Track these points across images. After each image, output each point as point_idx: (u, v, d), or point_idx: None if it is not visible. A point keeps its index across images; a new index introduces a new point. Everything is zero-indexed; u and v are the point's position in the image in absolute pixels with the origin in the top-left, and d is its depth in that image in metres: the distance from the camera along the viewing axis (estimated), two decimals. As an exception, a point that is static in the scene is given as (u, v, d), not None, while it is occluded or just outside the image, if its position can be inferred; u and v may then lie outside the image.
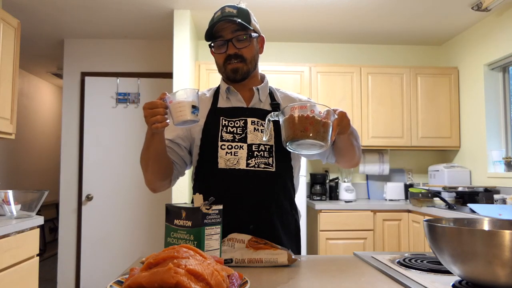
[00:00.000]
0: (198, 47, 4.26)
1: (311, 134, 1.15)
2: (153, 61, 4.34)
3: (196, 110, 1.19)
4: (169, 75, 3.86)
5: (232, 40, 1.38)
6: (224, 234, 1.15)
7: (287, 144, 1.19)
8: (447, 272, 1.00)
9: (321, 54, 4.37)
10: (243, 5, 1.43)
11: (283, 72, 3.87)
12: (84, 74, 4.30)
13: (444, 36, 4.17)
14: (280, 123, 1.20)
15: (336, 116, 1.19)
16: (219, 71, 1.48)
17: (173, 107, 1.18)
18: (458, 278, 0.94)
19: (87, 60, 4.32)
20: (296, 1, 3.35)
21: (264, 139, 1.28)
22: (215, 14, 1.41)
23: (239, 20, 1.36)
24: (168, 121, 1.20)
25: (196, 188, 1.46)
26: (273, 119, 1.22)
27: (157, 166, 1.37)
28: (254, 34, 1.42)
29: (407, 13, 3.59)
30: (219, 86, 1.53)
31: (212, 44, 1.42)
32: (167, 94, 1.19)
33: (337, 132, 1.22)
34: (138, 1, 3.37)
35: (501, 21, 3.47)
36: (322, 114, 1.17)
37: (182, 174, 1.51)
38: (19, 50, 3.02)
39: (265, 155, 1.39)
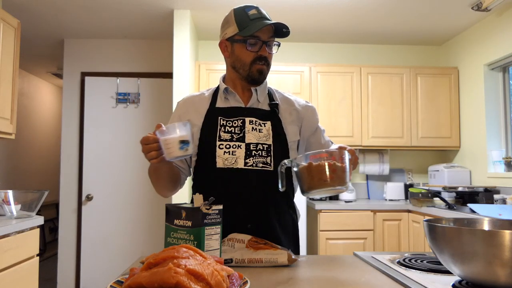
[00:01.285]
0: (198, 47, 4.26)
1: (333, 182, 1.10)
2: (153, 61, 4.34)
3: (186, 144, 1.16)
4: (169, 75, 3.86)
5: (267, 43, 1.41)
6: (222, 233, 1.15)
7: (309, 193, 1.14)
8: (447, 272, 1.00)
9: (321, 54, 4.37)
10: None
11: (283, 72, 3.87)
12: (84, 74, 4.30)
13: (444, 36, 4.17)
14: (295, 170, 1.15)
15: (350, 156, 1.16)
16: (239, 68, 1.44)
17: (162, 144, 1.18)
18: (458, 278, 0.94)
19: (87, 60, 4.32)
20: (296, 1, 3.36)
21: (280, 188, 1.20)
22: (247, 11, 1.41)
23: (286, 30, 1.40)
24: (164, 155, 1.20)
25: (195, 187, 1.47)
26: (287, 166, 1.18)
27: (167, 182, 1.43)
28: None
29: (407, 13, 3.59)
30: (218, 87, 1.53)
31: (247, 41, 1.40)
32: (162, 126, 1.18)
33: None
34: (138, 1, 3.37)
35: (501, 21, 3.47)
36: (337, 157, 1.13)
37: (190, 174, 1.54)
38: (19, 50, 3.02)
39: (263, 154, 1.39)
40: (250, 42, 1.40)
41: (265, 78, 1.46)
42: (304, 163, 1.13)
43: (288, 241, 1.43)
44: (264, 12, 1.44)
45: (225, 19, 1.46)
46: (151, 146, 1.19)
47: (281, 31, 1.42)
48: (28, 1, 3.34)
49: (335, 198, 3.96)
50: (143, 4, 3.43)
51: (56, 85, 6.46)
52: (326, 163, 1.10)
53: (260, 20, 1.38)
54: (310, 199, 3.88)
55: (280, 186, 1.20)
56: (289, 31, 1.42)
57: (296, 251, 1.48)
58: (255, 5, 1.44)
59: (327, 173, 1.10)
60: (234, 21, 1.42)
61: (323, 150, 1.16)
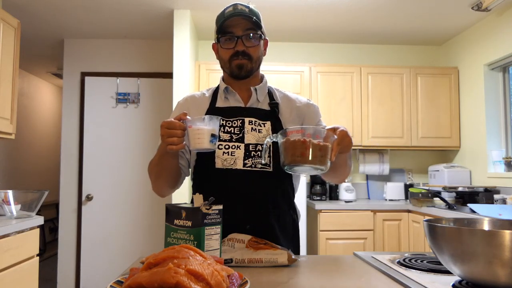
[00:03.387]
0: (198, 47, 4.26)
1: (309, 159, 1.11)
2: (153, 61, 4.34)
3: (215, 139, 1.17)
4: (169, 75, 3.86)
5: (243, 37, 1.39)
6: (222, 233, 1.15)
7: (285, 167, 1.16)
8: (447, 272, 1.00)
9: (321, 54, 4.37)
10: (252, 6, 1.44)
11: (283, 72, 3.87)
12: (84, 74, 4.30)
13: (444, 36, 4.17)
14: (279, 145, 1.17)
15: (335, 137, 1.15)
16: (223, 66, 1.47)
17: (191, 133, 1.16)
18: (458, 278, 0.94)
19: (87, 60, 4.32)
20: (296, 1, 3.35)
21: (262, 162, 1.21)
22: (225, 9, 1.41)
23: (255, 18, 1.38)
24: (184, 143, 1.18)
25: (194, 188, 1.47)
26: (272, 141, 1.19)
27: (169, 177, 1.40)
28: (262, 35, 1.44)
29: (407, 13, 3.59)
30: (218, 86, 1.53)
31: (220, 38, 1.41)
32: (188, 117, 1.18)
33: (338, 151, 1.16)
34: (138, 1, 3.37)
35: (501, 21, 3.47)
36: (320, 137, 1.13)
37: (188, 174, 1.52)
38: (19, 50, 3.02)
39: None
40: (224, 39, 1.40)
41: (248, 72, 1.43)
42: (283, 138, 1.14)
43: (288, 242, 1.43)
44: (244, 7, 1.40)
45: None
46: (175, 132, 1.16)
47: (256, 22, 1.39)
48: (28, 1, 3.34)
49: (335, 198, 3.96)
50: (143, 4, 3.43)
51: (56, 85, 6.46)
52: (304, 139, 1.11)
53: (232, 17, 1.37)
54: (310, 199, 3.88)
55: (262, 161, 1.20)
56: (258, 21, 1.39)
57: (296, 251, 1.48)
58: (236, 3, 1.42)
59: (300, 149, 1.10)
60: (215, 23, 1.44)
61: (301, 126, 1.16)
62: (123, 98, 4.25)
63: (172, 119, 1.18)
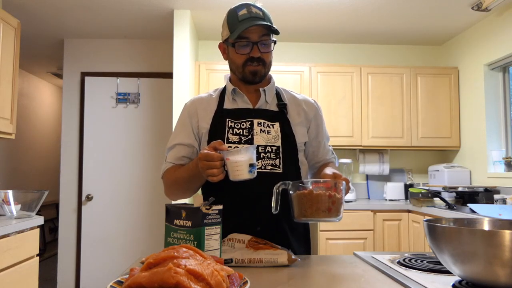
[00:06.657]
0: (198, 47, 4.26)
1: (331, 214, 1.11)
2: (153, 61, 4.34)
3: (253, 167, 1.17)
4: (169, 75, 3.86)
5: (258, 44, 1.37)
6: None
7: (302, 219, 1.13)
8: (447, 272, 1.00)
9: (321, 54, 4.37)
10: (260, 5, 1.43)
11: (283, 72, 3.87)
12: (84, 74, 4.30)
13: (444, 36, 4.17)
14: (292, 193, 1.14)
15: (345, 184, 1.17)
16: (235, 71, 1.44)
17: (230, 165, 1.17)
18: (458, 278, 0.94)
19: (87, 60, 4.32)
20: (296, 1, 3.35)
21: (274, 212, 1.19)
22: (238, 11, 1.38)
23: (275, 28, 1.37)
24: (228, 175, 1.18)
25: (204, 190, 1.46)
26: (282, 188, 1.16)
27: (194, 191, 1.44)
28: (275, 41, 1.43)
29: (407, 13, 3.59)
30: (225, 87, 1.51)
31: (235, 44, 1.39)
32: (224, 145, 1.19)
33: None
34: (138, 1, 3.37)
35: (501, 21, 3.46)
36: (334, 188, 1.14)
37: None
38: (19, 50, 3.02)
39: (272, 157, 1.37)
40: (240, 45, 1.38)
41: (261, 77, 1.43)
42: (303, 189, 1.12)
43: (299, 244, 1.42)
44: (257, 9, 1.39)
45: (223, 21, 1.45)
46: (214, 164, 1.17)
47: (275, 30, 1.39)
48: (28, 1, 3.34)
49: (335, 198, 3.95)
50: (143, 4, 3.43)
51: (56, 85, 6.46)
52: (327, 194, 1.11)
53: (249, 21, 1.35)
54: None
55: (273, 208, 1.18)
56: (277, 29, 1.39)
57: (307, 253, 1.47)
58: (248, 3, 1.41)
59: (327, 204, 1.11)
60: (226, 24, 1.41)
61: (326, 180, 1.16)
62: (123, 98, 4.25)
63: (209, 151, 1.17)
